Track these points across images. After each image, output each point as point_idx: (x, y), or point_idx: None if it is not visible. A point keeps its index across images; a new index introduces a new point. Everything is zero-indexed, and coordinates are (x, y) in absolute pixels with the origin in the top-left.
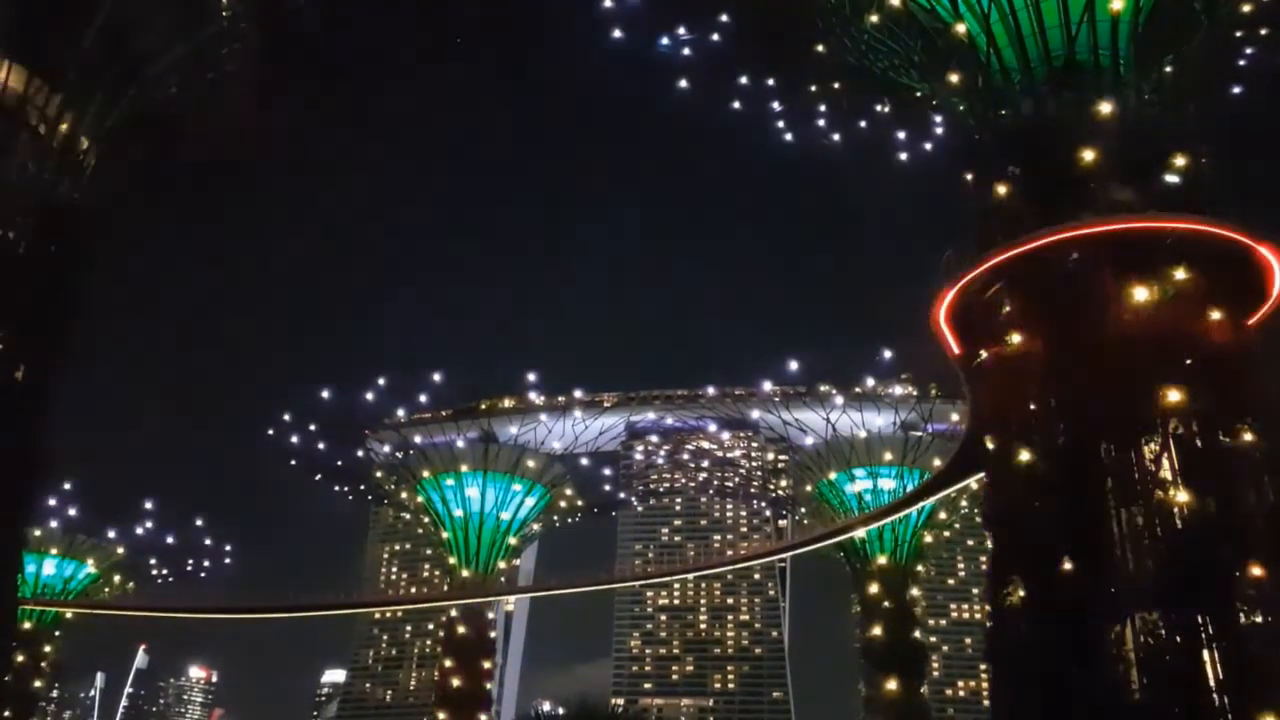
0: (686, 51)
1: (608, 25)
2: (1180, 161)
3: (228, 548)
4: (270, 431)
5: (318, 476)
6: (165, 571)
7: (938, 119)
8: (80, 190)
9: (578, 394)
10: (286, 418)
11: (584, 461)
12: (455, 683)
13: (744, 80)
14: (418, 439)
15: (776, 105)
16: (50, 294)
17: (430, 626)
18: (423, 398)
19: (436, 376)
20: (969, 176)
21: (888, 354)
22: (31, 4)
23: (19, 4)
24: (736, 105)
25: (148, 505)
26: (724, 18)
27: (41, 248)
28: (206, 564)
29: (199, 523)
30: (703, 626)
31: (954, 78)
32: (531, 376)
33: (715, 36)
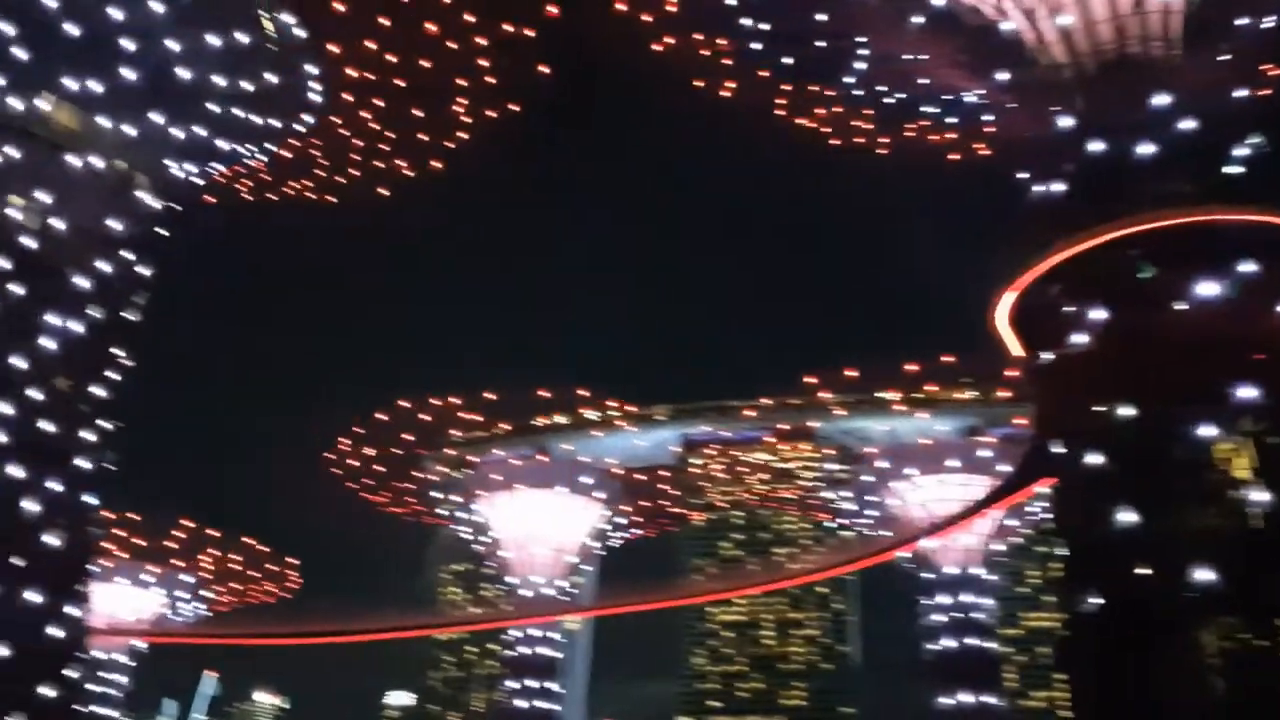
0: (728, 62)
1: (651, 36)
2: (1240, 151)
3: (292, 572)
4: (329, 455)
5: (376, 498)
6: (231, 598)
7: (988, 118)
8: (139, 224)
9: (631, 408)
10: (344, 441)
11: (640, 476)
12: (520, 704)
13: (788, 87)
14: (474, 458)
15: (821, 111)
16: (111, 328)
17: (494, 647)
18: (478, 417)
19: (491, 395)
20: (1023, 175)
21: (948, 358)
22: (83, 42)
23: (69, 43)
24: (780, 112)
25: (211, 532)
26: (765, 25)
27: (103, 283)
28: (272, 590)
29: (262, 547)
30: (769, 643)
31: (1002, 76)
32: (585, 392)
33: (757, 46)
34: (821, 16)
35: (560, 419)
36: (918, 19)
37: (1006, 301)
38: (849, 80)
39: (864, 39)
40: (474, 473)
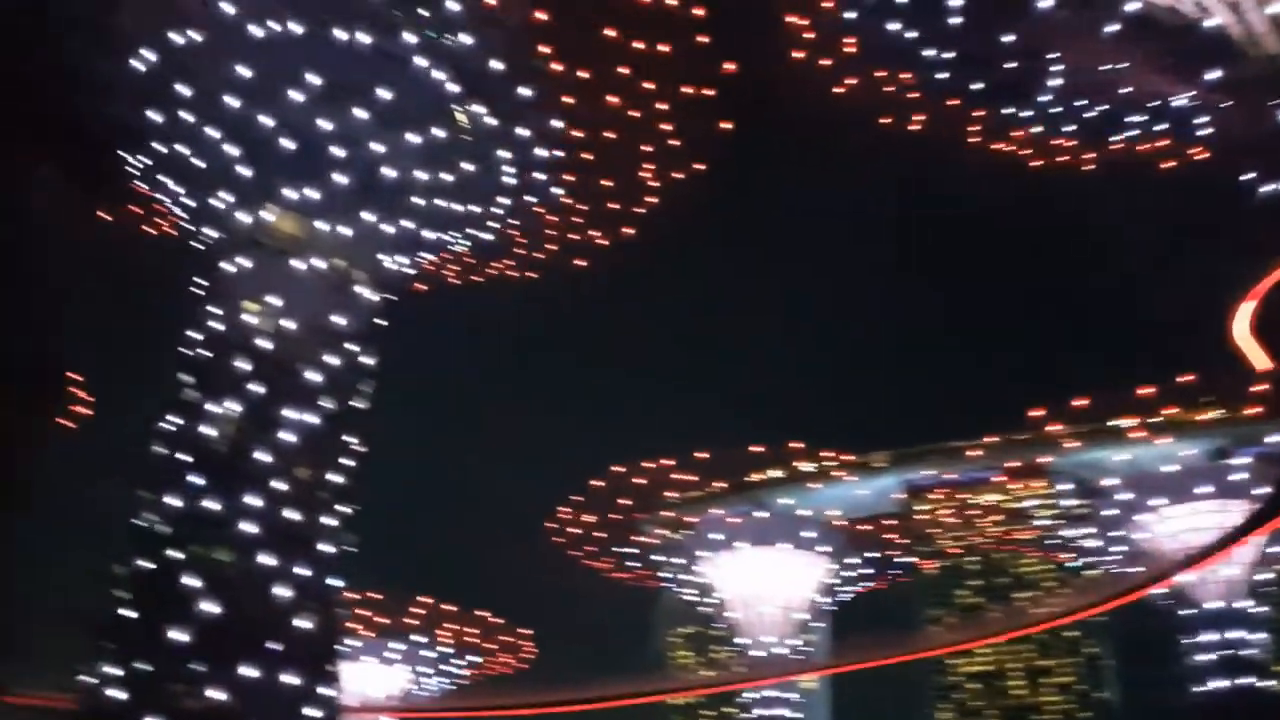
0: (914, 95)
1: (835, 76)
2: None
3: (526, 643)
4: (550, 524)
5: (600, 564)
6: (471, 670)
7: (1201, 120)
8: (359, 317)
9: (849, 457)
10: (565, 509)
11: (864, 526)
12: None
13: (980, 113)
14: (692, 519)
15: (1018, 133)
16: (342, 417)
17: (730, 710)
18: (692, 477)
19: (703, 454)
20: (1247, 177)
21: (1186, 378)
22: (298, 154)
23: (286, 157)
24: (974, 139)
25: (447, 607)
26: (950, 54)
27: (332, 375)
28: (509, 660)
29: (496, 619)
30: (1019, 693)
31: (1211, 75)
32: (799, 444)
33: (943, 75)
34: (1009, 37)
35: (776, 473)
36: (1111, 26)
37: (1246, 311)
38: (1045, 98)
39: (1056, 54)
40: (693, 533)
